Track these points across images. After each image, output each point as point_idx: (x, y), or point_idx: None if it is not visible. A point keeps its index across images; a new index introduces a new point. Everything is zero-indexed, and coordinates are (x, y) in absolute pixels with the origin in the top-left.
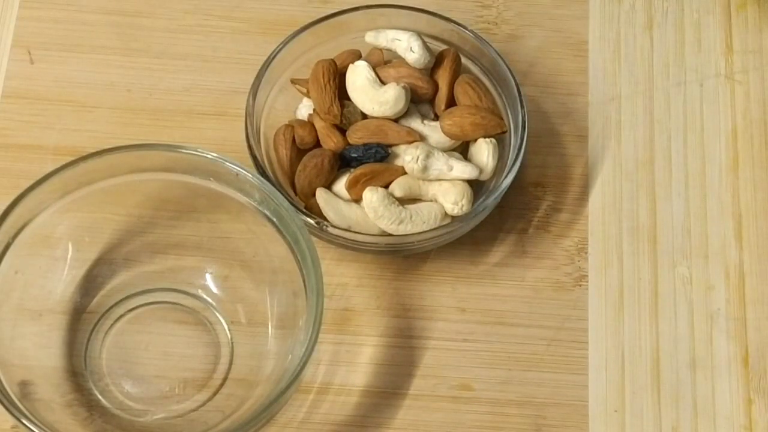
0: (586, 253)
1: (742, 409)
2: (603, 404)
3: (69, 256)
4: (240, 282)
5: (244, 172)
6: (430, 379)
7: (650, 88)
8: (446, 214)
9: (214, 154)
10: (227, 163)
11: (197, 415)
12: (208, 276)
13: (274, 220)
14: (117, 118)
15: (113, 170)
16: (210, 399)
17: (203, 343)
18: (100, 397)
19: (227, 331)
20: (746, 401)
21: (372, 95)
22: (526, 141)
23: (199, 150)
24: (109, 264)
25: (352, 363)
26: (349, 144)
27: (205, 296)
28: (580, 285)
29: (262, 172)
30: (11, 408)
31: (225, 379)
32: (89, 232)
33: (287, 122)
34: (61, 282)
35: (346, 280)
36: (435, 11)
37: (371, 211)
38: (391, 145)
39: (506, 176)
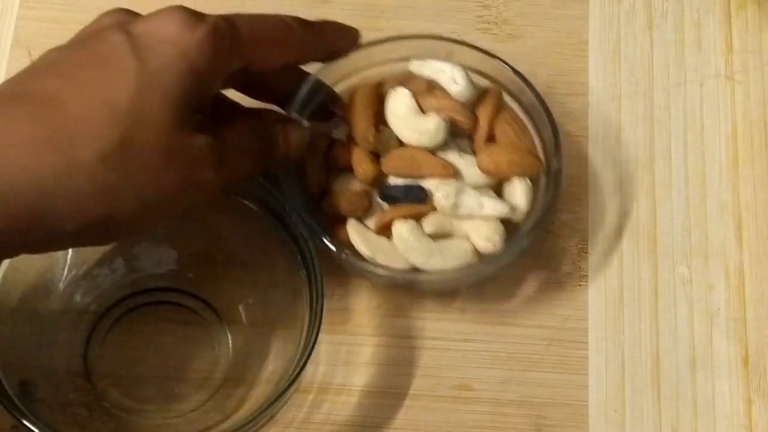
0: (586, 253)
1: (742, 409)
2: (603, 404)
3: (69, 256)
4: (240, 282)
5: None
6: (430, 379)
7: (650, 88)
8: (477, 252)
9: None
10: None
11: (197, 415)
12: (207, 276)
13: (274, 219)
14: None
15: None
16: (210, 399)
17: (203, 343)
18: (100, 397)
19: (227, 331)
20: (746, 401)
21: (411, 124)
22: (562, 185)
23: None
24: (109, 264)
25: (352, 363)
26: (382, 173)
27: (205, 296)
28: (580, 285)
29: (286, 193)
30: (11, 408)
31: (225, 379)
32: None
33: (323, 131)
34: (61, 282)
35: (346, 280)
36: (463, 40)
37: (401, 242)
38: (423, 177)
39: (539, 218)
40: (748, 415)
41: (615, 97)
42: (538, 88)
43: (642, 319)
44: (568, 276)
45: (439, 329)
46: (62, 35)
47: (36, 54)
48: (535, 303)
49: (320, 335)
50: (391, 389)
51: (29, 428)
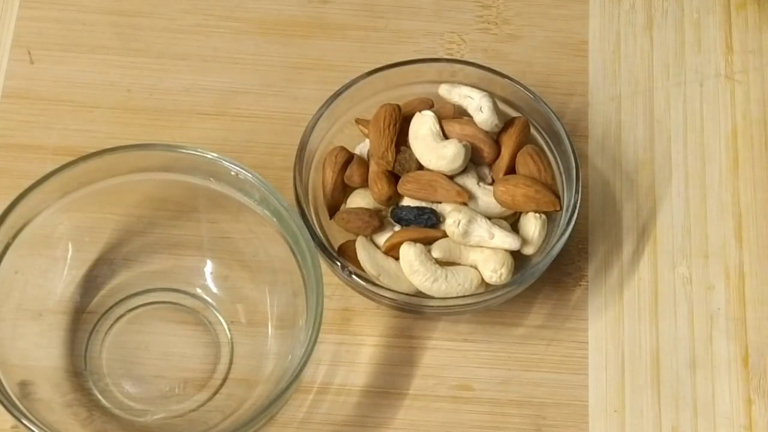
0: (586, 253)
1: (742, 409)
2: (603, 404)
3: (69, 256)
4: (240, 282)
5: (243, 171)
6: (430, 379)
7: (650, 88)
8: (483, 282)
9: (214, 154)
10: (227, 163)
11: (197, 415)
12: (208, 276)
13: (274, 220)
14: (117, 118)
15: (113, 170)
16: (210, 399)
17: (203, 343)
18: (100, 397)
19: (227, 331)
20: (746, 401)
21: (432, 147)
22: (574, 224)
23: (198, 150)
24: (109, 264)
25: (352, 363)
26: (397, 193)
27: (205, 296)
28: (580, 285)
29: (298, 203)
30: (11, 408)
31: (225, 379)
32: (89, 232)
33: (342, 146)
34: (61, 282)
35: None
36: (492, 68)
37: (406, 265)
38: (438, 201)
39: (547, 253)
40: (748, 415)
41: (615, 97)
42: (538, 88)
43: (642, 319)
44: (568, 276)
45: (439, 329)
46: (62, 35)
47: (36, 54)
48: (535, 303)
49: (320, 335)
50: (391, 389)
51: (29, 428)
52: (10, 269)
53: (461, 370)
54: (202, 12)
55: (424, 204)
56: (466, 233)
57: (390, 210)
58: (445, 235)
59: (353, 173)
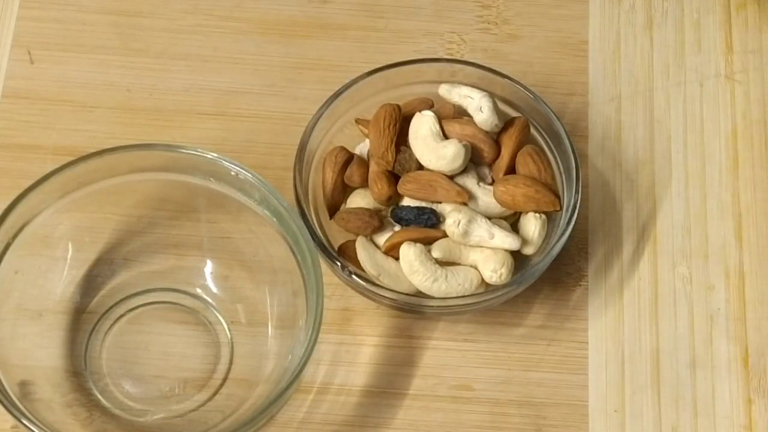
0: (586, 253)
1: (742, 409)
2: (603, 404)
3: (69, 256)
4: (240, 282)
5: (243, 171)
6: (430, 379)
7: (650, 88)
8: (483, 282)
9: (214, 154)
10: (227, 163)
11: (197, 415)
12: (208, 276)
13: (274, 220)
14: (117, 118)
15: (113, 170)
16: (210, 399)
17: (203, 343)
18: (100, 397)
19: (227, 331)
20: (746, 401)
21: (432, 147)
22: (574, 224)
23: (198, 150)
24: (109, 264)
25: (352, 363)
26: (397, 193)
27: (205, 296)
28: (580, 285)
29: (298, 203)
30: (11, 408)
31: (225, 379)
32: (89, 232)
33: (342, 146)
34: (61, 282)
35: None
36: (492, 68)
37: (406, 265)
38: (438, 201)
39: (547, 253)
40: (748, 415)
41: (615, 97)
42: (538, 88)
43: (642, 319)
44: (568, 276)
45: (439, 329)
46: (62, 35)
47: (36, 54)
48: (535, 303)
49: (320, 335)
50: (391, 389)
51: (29, 428)
52: (10, 269)
53: (461, 370)
54: (202, 12)
55: (424, 204)
56: (466, 233)
57: (390, 210)
58: (445, 235)
59: (353, 173)
